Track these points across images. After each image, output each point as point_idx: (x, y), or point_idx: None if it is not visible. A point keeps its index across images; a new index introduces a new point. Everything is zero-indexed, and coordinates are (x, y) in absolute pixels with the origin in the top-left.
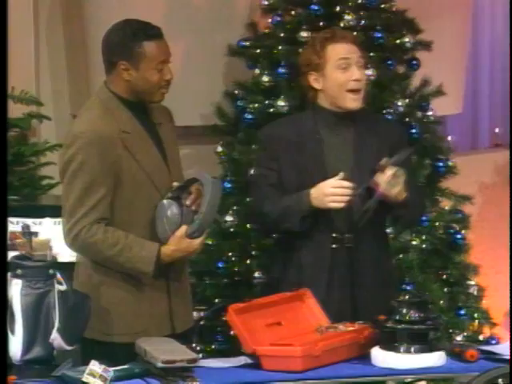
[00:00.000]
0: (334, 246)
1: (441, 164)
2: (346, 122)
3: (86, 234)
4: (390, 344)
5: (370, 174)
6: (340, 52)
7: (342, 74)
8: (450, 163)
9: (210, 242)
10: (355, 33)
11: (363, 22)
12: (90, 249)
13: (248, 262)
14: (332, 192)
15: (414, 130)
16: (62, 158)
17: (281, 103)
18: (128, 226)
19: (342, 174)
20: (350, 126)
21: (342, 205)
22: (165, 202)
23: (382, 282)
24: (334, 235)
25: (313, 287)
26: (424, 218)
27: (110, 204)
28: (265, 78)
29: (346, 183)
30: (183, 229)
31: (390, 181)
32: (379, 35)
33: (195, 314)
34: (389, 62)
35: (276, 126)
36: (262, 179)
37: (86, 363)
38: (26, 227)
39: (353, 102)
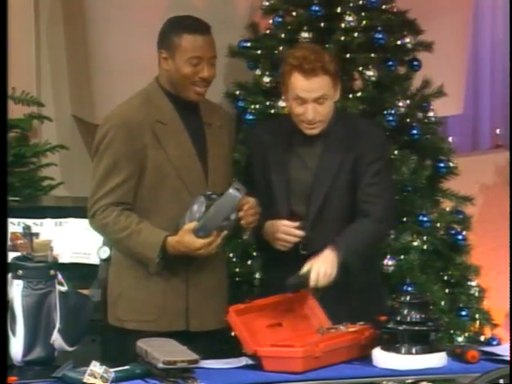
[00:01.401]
0: (304, 252)
1: (442, 165)
2: (323, 131)
3: (100, 215)
4: (391, 345)
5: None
6: (299, 87)
7: (298, 108)
8: (450, 164)
9: None
10: (356, 34)
11: (364, 22)
12: (103, 229)
13: (249, 262)
14: (283, 238)
15: (414, 131)
16: (95, 138)
17: (282, 104)
18: (149, 214)
19: (298, 223)
20: (323, 133)
21: (287, 248)
22: (198, 197)
23: (356, 283)
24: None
25: (281, 290)
26: (425, 218)
27: (133, 190)
28: (266, 79)
29: (298, 232)
30: (191, 224)
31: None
32: (380, 36)
33: None
34: (389, 63)
35: (253, 133)
36: None
37: (109, 351)
38: (26, 228)
39: (308, 130)
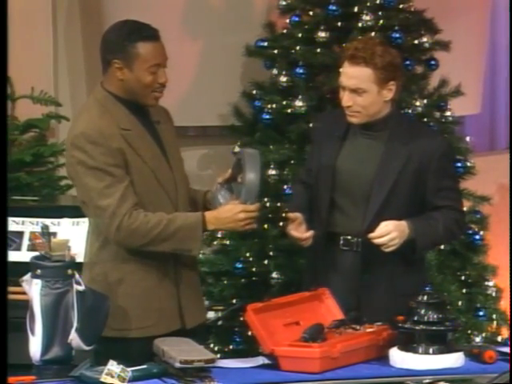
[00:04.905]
0: (344, 248)
1: (459, 164)
2: (379, 127)
3: (126, 223)
4: (408, 345)
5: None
6: (343, 73)
7: (341, 93)
8: (468, 164)
9: (227, 243)
10: (373, 33)
11: (381, 22)
12: (133, 235)
13: (266, 262)
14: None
15: None
16: (69, 160)
17: (299, 103)
18: None
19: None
20: (384, 130)
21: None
22: (214, 188)
23: (392, 293)
24: (345, 237)
25: (319, 286)
26: None
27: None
28: (282, 79)
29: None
30: (235, 202)
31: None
32: (397, 35)
33: (213, 314)
34: (407, 62)
35: (317, 120)
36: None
37: (99, 362)
38: (45, 227)
39: (348, 117)
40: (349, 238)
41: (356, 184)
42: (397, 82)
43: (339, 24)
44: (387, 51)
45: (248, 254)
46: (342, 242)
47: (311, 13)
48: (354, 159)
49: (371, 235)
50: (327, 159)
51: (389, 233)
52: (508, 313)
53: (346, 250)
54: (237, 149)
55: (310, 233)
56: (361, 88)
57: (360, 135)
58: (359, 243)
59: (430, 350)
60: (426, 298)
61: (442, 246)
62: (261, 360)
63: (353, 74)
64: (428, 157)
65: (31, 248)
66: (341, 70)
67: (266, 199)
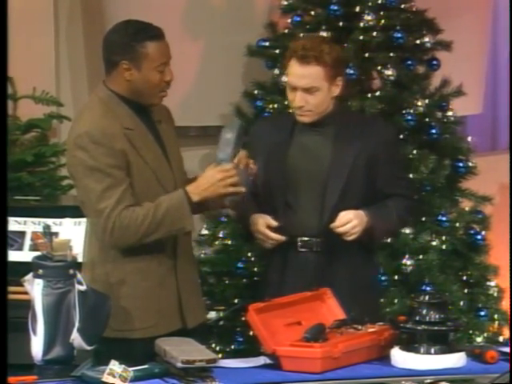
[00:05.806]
0: (302, 249)
1: (461, 164)
2: (325, 122)
3: (118, 222)
4: (409, 345)
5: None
6: (292, 73)
7: (290, 95)
8: (469, 164)
9: (229, 243)
10: (375, 33)
11: (383, 21)
12: (126, 231)
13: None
14: (262, 240)
15: (433, 131)
16: (71, 159)
17: None
18: None
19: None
20: (330, 125)
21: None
22: None
23: (352, 287)
24: (302, 238)
25: (280, 289)
26: (444, 218)
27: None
28: (284, 78)
29: (276, 237)
30: (211, 167)
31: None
32: (399, 35)
33: (214, 314)
34: (408, 62)
35: (256, 124)
36: None
37: (101, 362)
38: (46, 227)
39: (299, 117)
40: (306, 239)
41: (309, 182)
42: (343, 78)
43: (341, 24)
44: (333, 48)
45: (249, 254)
46: (299, 243)
47: (313, 13)
48: (303, 158)
49: (333, 225)
50: (276, 162)
51: (350, 221)
52: (509, 313)
53: (304, 251)
54: None
55: (284, 238)
56: (314, 87)
57: (307, 133)
58: (318, 243)
59: (432, 350)
60: (427, 297)
61: (444, 246)
62: (262, 360)
63: (304, 74)
64: (376, 146)
65: (33, 248)
66: (289, 70)
67: None
